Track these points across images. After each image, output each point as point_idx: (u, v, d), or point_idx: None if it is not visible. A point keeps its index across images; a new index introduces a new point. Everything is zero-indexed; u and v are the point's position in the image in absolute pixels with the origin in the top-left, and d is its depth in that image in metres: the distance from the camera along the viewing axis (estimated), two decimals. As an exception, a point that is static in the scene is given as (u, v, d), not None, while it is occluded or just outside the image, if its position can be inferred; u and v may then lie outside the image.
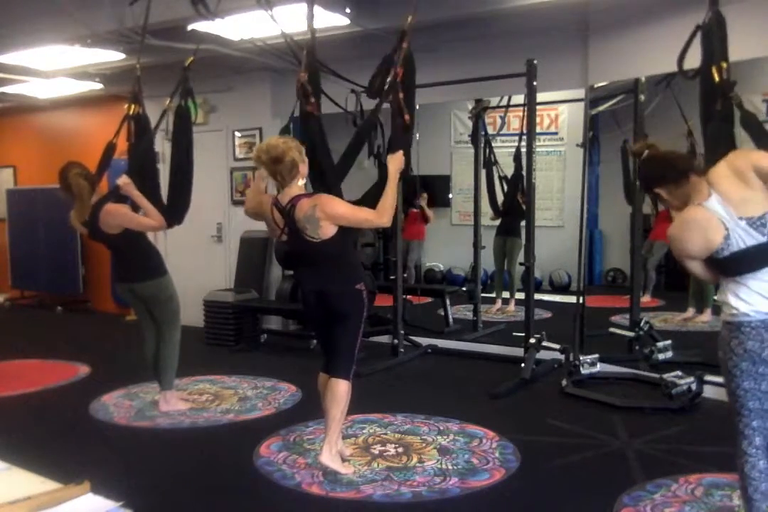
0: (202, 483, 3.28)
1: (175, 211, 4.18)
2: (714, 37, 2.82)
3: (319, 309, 3.26)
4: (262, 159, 3.08)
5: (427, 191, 7.77)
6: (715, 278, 2.35)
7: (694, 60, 3.06)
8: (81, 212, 3.99)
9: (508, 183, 6.93)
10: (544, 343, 5.04)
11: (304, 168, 3.15)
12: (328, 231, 3.09)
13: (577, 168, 5.63)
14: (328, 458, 3.26)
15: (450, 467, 3.37)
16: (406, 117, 3.39)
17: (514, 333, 5.66)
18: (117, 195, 4.02)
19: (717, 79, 2.78)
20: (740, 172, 2.21)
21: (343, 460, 3.37)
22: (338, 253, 3.19)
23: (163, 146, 6.39)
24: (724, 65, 2.78)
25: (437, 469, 3.34)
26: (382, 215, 3.12)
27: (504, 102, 6.58)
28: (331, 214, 3.06)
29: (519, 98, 5.64)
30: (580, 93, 5.37)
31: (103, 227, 3.96)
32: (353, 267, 3.30)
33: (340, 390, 3.23)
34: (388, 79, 3.42)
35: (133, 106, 4.05)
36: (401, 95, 3.41)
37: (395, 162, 3.26)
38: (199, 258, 7.10)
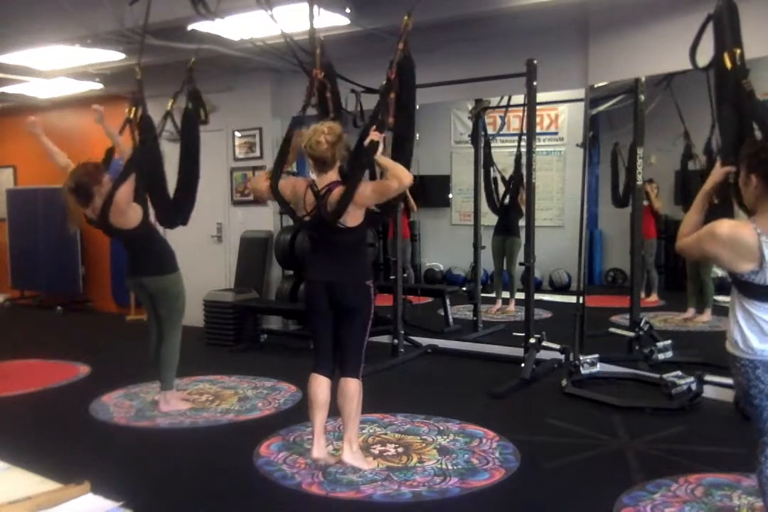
0: (202, 483, 3.28)
1: (181, 211, 4.21)
2: (725, 24, 2.81)
3: (326, 303, 3.25)
4: (328, 139, 3.08)
5: (427, 191, 7.75)
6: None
7: (700, 56, 3.05)
8: (71, 221, 4.05)
9: (507, 182, 6.94)
10: (544, 343, 5.04)
11: None
12: (356, 218, 3.14)
13: (577, 168, 5.62)
14: (350, 456, 3.29)
15: (450, 467, 3.36)
16: (390, 119, 3.39)
17: (514, 333, 5.65)
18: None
19: (729, 65, 2.76)
20: None
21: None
22: (357, 244, 3.25)
23: (165, 148, 6.37)
24: (738, 51, 2.76)
25: (437, 469, 3.34)
26: (402, 178, 3.07)
27: (504, 102, 6.58)
28: (360, 200, 3.08)
29: (519, 98, 5.64)
30: (580, 93, 5.37)
31: (115, 222, 3.96)
32: (365, 263, 3.35)
33: (352, 389, 3.25)
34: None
35: (134, 109, 4.05)
36: (392, 96, 3.41)
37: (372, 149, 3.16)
38: (199, 258, 7.09)
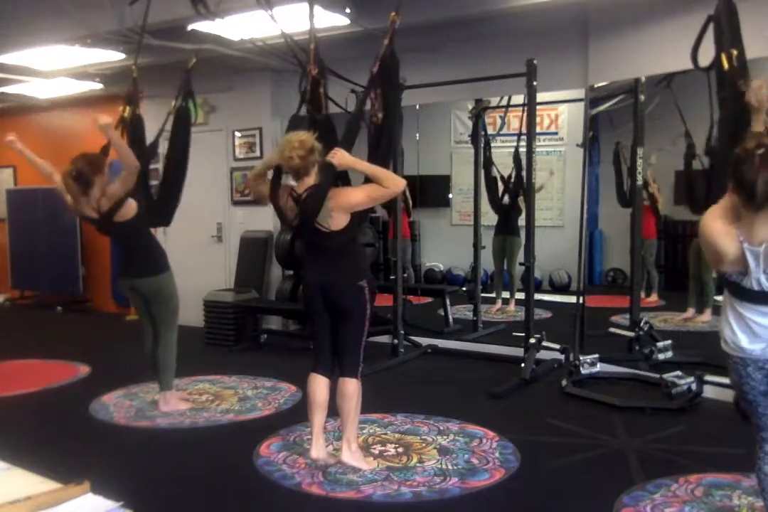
0: (202, 483, 3.28)
1: (165, 211, 4.18)
2: (724, 25, 2.81)
3: (322, 304, 3.26)
4: (299, 154, 3.08)
5: (427, 191, 7.76)
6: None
7: (702, 56, 3.06)
8: (75, 206, 3.95)
9: (506, 183, 6.95)
10: (544, 343, 5.04)
11: None
12: (339, 222, 3.13)
13: (577, 168, 5.63)
14: (349, 457, 3.29)
15: (450, 467, 3.36)
16: (379, 115, 3.39)
17: (514, 333, 5.65)
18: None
19: (726, 66, 2.76)
20: None
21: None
22: (346, 245, 3.23)
23: (164, 147, 6.37)
24: (735, 52, 2.76)
25: (437, 469, 3.34)
26: (398, 183, 3.14)
27: (504, 102, 6.58)
28: (346, 205, 3.10)
29: (519, 98, 5.64)
30: (580, 93, 5.38)
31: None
32: (358, 264, 3.33)
33: (350, 389, 3.25)
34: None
35: (127, 108, 4.04)
36: (376, 92, 3.41)
37: (344, 157, 3.11)
38: (199, 258, 7.10)
